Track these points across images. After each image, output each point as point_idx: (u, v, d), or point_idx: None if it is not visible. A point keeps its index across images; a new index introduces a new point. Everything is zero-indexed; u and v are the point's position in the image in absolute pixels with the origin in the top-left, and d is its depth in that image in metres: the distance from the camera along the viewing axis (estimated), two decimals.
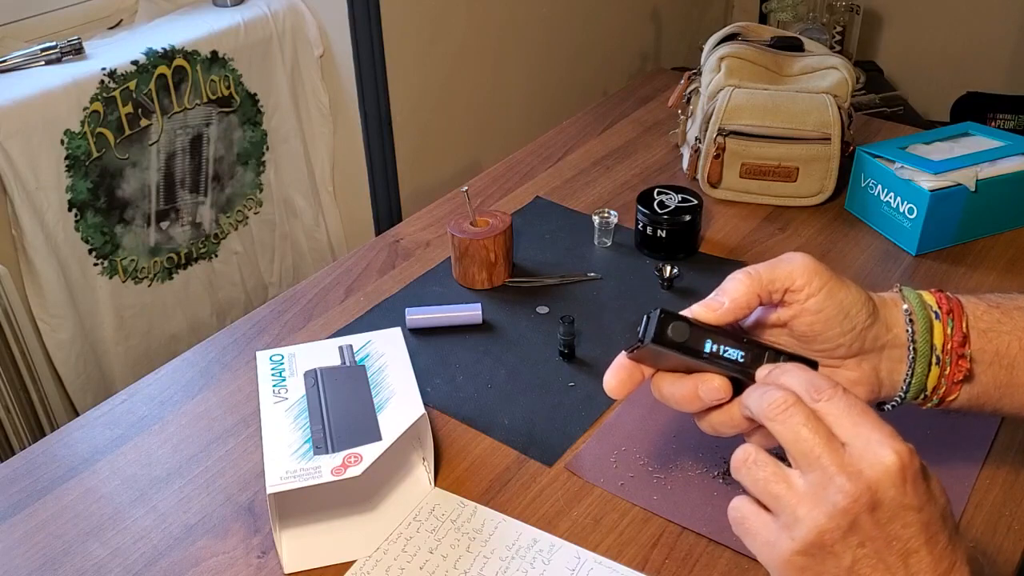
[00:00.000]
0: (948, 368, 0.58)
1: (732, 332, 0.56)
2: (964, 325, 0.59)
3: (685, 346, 0.54)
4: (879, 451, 0.46)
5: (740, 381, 0.55)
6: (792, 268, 0.56)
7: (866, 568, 0.46)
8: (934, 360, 0.58)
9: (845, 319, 0.56)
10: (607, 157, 1.23)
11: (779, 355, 0.55)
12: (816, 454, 0.47)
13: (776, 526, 0.48)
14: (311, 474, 0.65)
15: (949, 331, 0.58)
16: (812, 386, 0.50)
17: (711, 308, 0.56)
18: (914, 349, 0.58)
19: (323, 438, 0.68)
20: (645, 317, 0.55)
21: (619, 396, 0.59)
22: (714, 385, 0.55)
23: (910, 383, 0.59)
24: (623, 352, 0.58)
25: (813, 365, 0.55)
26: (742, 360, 0.55)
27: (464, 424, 0.80)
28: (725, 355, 0.55)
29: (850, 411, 0.48)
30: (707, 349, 0.55)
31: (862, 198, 1.06)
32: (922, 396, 0.60)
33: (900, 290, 0.60)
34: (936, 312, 0.59)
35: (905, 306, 0.59)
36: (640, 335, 0.55)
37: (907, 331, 0.58)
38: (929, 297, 0.59)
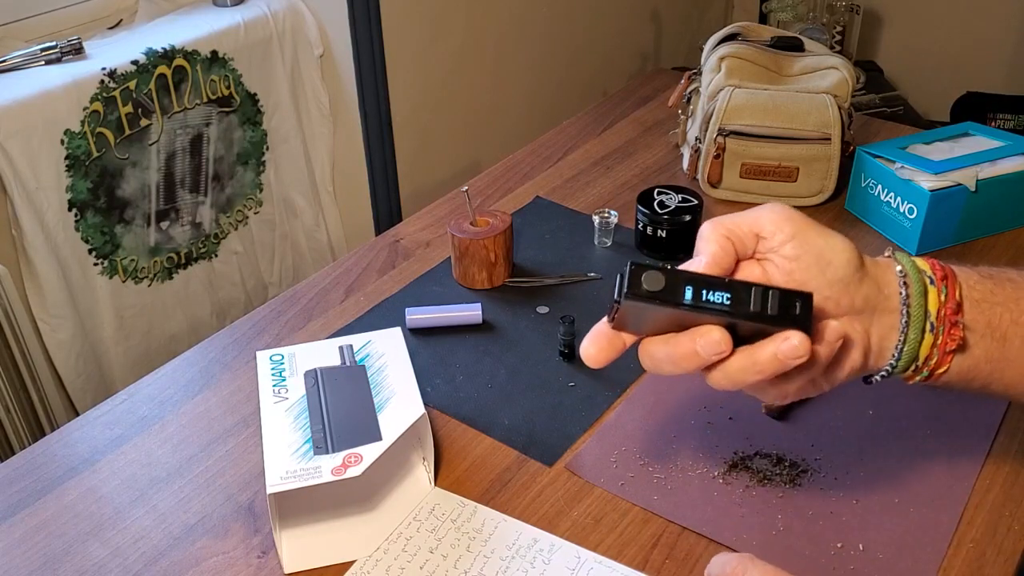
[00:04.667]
0: (941, 336, 0.56)
1: (713, 276, 0.52)
2: (958, 293, 0.57)
3: (662, 296, 0.50)
4: None
5: (736, 326, 0.51)
6: (759, 214, 0.55)
7: None
8: (928, 327, 0.56)
9: (827, 267, 0.54)
10: (607, 157, 1.23)
11: (767, 291, 0.51)
12: None
13: None
14: (311, 474, 0.65)
15: (943, 297, 0.56)
16: None
17: (691, 266, 0.54)
18: (908, 314, 0.56)
19: (323, 438, 0.68)
20: (618, 276, 0.51)
21: (599, 365, 0.55)
22: (714, 338, 0.51)
23: (902, 350, 0.57)
24: (603, 320, 0.55)
25: (807, 298, 0.52)
26: (728, 302, 0.50)
27: (464, 424, 0.80)
28: (710, 300, 0.50)
29: None
30: (687, 296, 0.50)
31: (862, 198, 1.06)
32: (913, 367, 0.58)
33: (893, 254, 0.58)
34: (931, 277, 0.57)
35: (899, 267, 0.57)
36: (615, 296, 0.51)
37: (900, 294, 0.56)
38: (923, 263, 0.58)
